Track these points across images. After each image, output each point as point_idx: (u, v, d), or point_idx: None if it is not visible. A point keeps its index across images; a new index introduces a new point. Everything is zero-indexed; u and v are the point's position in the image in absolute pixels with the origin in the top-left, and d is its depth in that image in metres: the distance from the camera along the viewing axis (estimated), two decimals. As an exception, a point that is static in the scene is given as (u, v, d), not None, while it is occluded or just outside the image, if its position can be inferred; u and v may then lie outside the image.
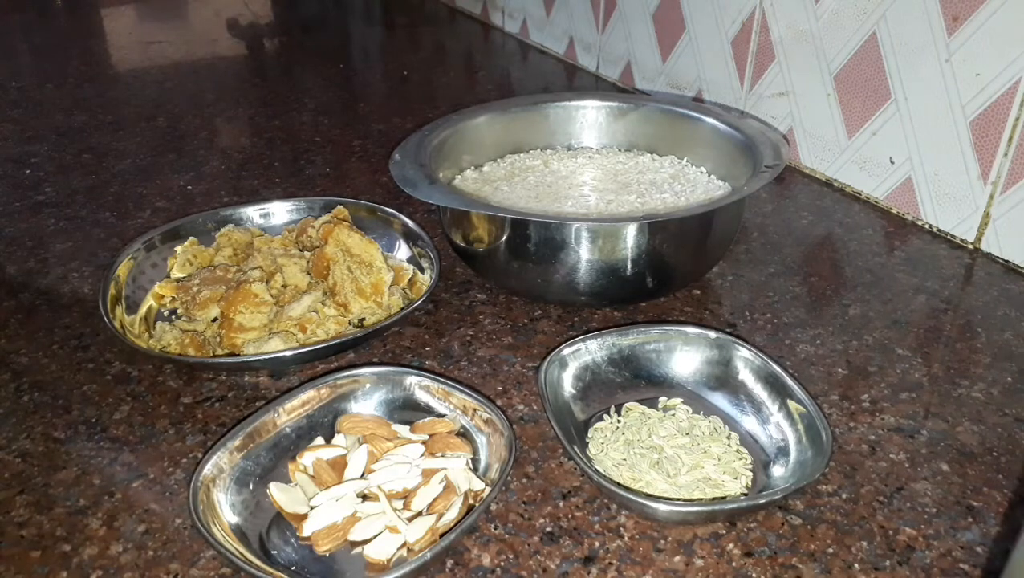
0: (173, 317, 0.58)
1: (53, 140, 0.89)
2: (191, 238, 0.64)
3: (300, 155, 0.85)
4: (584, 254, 0.54)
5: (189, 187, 0.79)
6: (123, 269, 0.59)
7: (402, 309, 0.57)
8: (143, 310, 0.58)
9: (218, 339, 0.55)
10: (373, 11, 1.51)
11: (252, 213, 0.67)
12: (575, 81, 1.07)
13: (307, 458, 0.45)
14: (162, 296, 0.59)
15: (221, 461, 0.43)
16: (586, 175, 0.69)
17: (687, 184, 0.67)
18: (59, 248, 0.68)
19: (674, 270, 0.58)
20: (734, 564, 0.41)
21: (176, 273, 0.62)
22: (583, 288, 0.56)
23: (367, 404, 0.49)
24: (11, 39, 1.24)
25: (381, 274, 0.57)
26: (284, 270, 0.59)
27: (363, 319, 0.57)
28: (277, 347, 0.53)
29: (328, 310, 0.56)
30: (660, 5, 0.93)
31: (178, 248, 0.63)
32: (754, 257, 0.67)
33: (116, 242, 0.68)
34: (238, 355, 0.53)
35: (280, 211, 0.68)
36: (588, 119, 0.74)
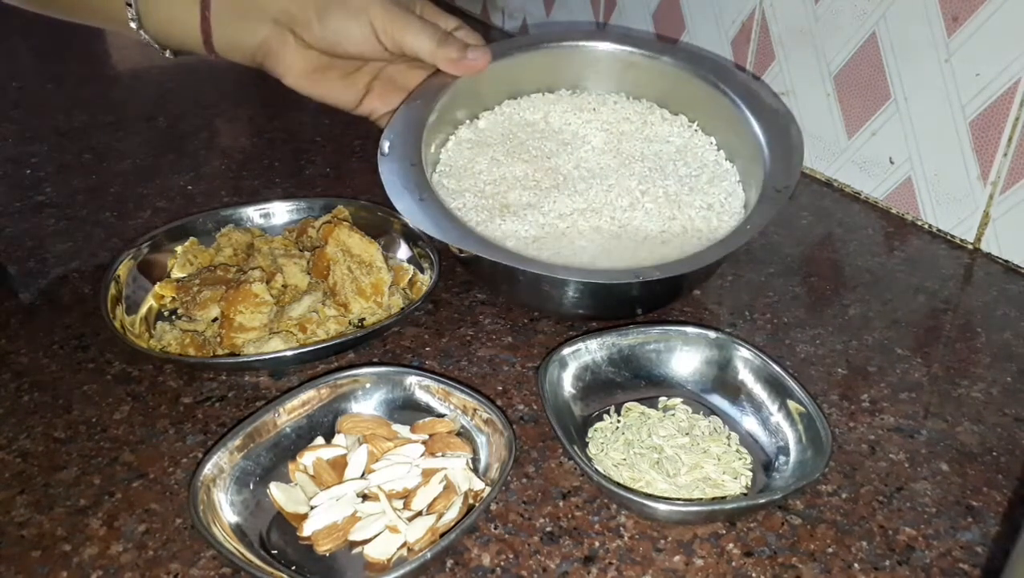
0: (173, 317, 0.58)
1: (53, 140, 0.89)
2: (191, 238, 0.64)
3: (300, 155, 0.85)
4: (576, 296, 0.55)
5: (189, 187, 0.79)
6: (123, 269, 0.59)
7: (402, 309, 0.57)
8: (143, 310, 0.58)
9: (218, 339, 0.55)
10: (373, 11, 1.51)
11: (252, 213, 0.67)
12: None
13: (307, 458, 0.45)
14: (162, 296, 0.59)
15: (221, 461, 0.43)
16: (590, 139, 0.65)
17: (693, 164, 0.63)
18: (59, 248, 0.68)
19: (674, 295, 0.59)
20: (734, 564, 0.41)
21: (176, 273, 0.62)
22: (578, 312, 0.57)
23: (367, 404, 0.49)
24: (11, 39, 1.24)
25: (381, 274, 0.57)
26: (284, 270, 0.59)
27: (363, 319, 0.57)
28: (277, 347, 0.53)
29: (328, 310, 0.56)
30: (660, 5, 0.93)
31: (178, 248, 0.63)
32: (754, 257, 0.67)
33: (116, 242, 0.68)
34: (238, 355, 0.53)
35: (280, 211, 0.68)
36: (597, 64, 0.68)
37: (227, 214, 0.66)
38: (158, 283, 0.60)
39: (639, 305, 0.58)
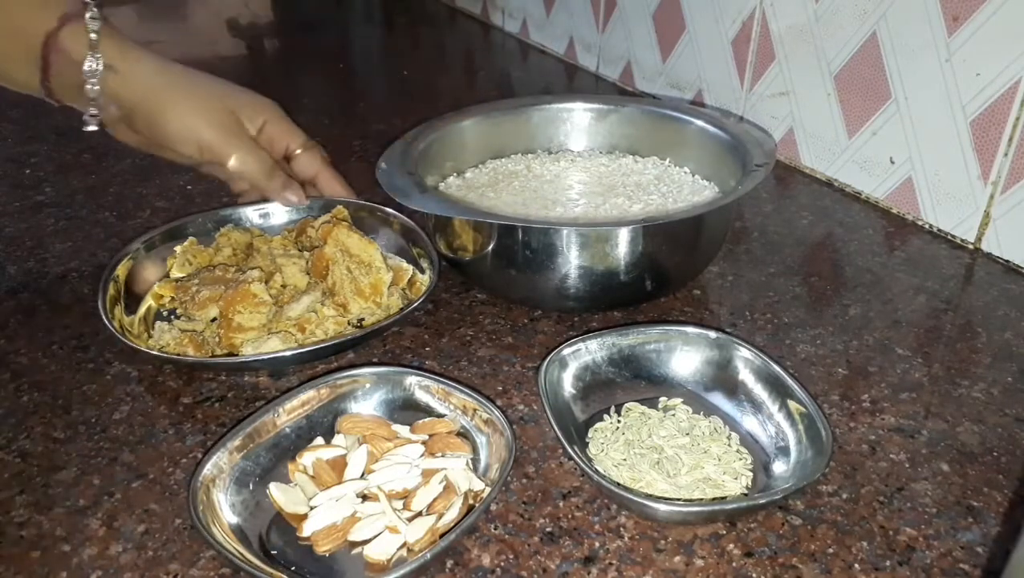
0: (172, 317, 0.58)
1: (53, 140, 0.89)
2: (191, 238, 0.64)
3: (300, 155, 0.85)
4: (576, 261, 0.54)
5: (189, 187, 0.79)
6: (122, 269, 0.59)
7: (402, 309, 0.57)
8: (142, 310, 0.58)
9: (217, 339, 0.55)
10: (373, 11, 1.51)
11: (251, 213, 0.67)
12: (575, 81, 1.07)
13: (307, 458, 0.45)
14: (161, 296, 0.59)
15: (221, 461, 0.43)
16: (571, 179, 0.69)
17: (672, 185, 0.67)
18: (59, 248, 0.68)
19: (668, 273, 0.58)
20: (734, 564, 0.41)
21: (175, 273, 0.62)
22: (575, 294, 0.56)
23: (367, 404, 0.49)
24: (11, 39, 1.24)
25: (380, 274, 0.57)
26: (283, 270, 0.59)
27: (362, 319, 0.57)
28: (276, 347, 0.53)
29: (327, 310, 0.56)
30: (660, 5, 0.93)
31: (177, 248, 0.63)
32: (754, 257, 0.67)
33: (116, 242, 0.68)
34: (237, 355, 0.53)
35: (279, 211, 0.68)
36: (569, 122, 0.73)
37: (226, 214, 0.66)
38: (157, 283, 0.60)
39: (647, 279, 0.57)
